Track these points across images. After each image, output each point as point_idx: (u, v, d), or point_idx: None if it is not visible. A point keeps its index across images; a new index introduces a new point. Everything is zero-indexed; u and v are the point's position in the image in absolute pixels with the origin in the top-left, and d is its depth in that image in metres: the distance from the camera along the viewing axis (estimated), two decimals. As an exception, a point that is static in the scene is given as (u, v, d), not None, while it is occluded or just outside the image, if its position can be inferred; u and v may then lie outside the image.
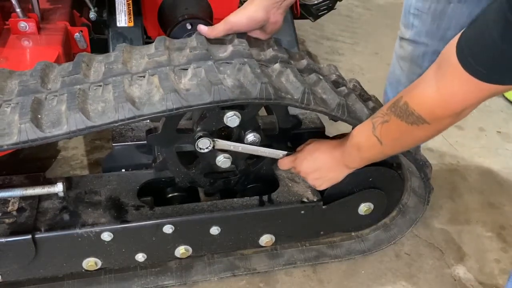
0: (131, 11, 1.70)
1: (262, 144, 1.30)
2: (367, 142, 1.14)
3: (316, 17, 2.10)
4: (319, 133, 1.49)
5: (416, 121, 1.00)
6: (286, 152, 1.33)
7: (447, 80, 0.93)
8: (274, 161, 1.38)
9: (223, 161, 1.29)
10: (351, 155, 1.21)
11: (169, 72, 1.09)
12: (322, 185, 1.32)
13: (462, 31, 0.90)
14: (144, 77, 1.10)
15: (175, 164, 1.30)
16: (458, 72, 0.89)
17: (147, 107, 1.03)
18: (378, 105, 1.32)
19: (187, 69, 1.12)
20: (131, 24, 1.68)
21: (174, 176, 1.35)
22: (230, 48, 1.18)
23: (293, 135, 1.34)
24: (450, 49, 0.91)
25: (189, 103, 1.04)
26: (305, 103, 1.14)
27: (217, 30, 1.20)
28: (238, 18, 1.19)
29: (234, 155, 1.30)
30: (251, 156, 1.36)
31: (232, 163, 1.32)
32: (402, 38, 1.54)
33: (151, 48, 1.19)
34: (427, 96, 0.97)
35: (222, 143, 1.25)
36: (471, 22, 0.88)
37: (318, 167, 1.28)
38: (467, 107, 0.95)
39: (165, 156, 1.27)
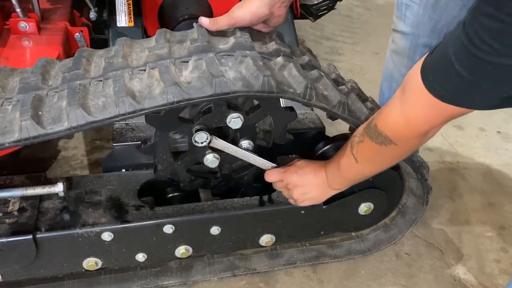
0: (131, 11, 1.70)
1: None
2: (345, 160, 1.19)
3: (316, 17, 2.11)
4: (319, 133, 1.49)
5: (384, 142, 1.05)
6: (275, 165, 1.34)
7: (411, 103, 0.97)
8: (258, 173, 1.38)
9: (211, 160, 1.27)
10: (333, 175, 1.25)
11: (169, 65, 1.09)
12: (304, 202, 1.32)
13: (426, 54, 0.94)
14: (144, 70, 1.09)
15: (164, 151, 1.27)
16: (423, 94, 0.92)
17: (148, 101, 1.03)
18: (375, 105, 1.33)
19: (188, 62, 1.10)
20: (131, 24, 1.68)
21: (157, 162, 1.32)
22: (231, 40, 1.17)
23: (294, 135, 1.34)
24: (415, 72, 0.94)
25: (190, 96, 1.04)
26: (307, 98, 1.13)
27: (219, 23, 1.19)
28: (243, 14, 1.17)
29: (223, 157, 1.30)
30: (239, 163, 1.36)
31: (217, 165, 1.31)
32: (394, 30, 1.54)
33: (152, 41, 1.18)
34: (392, 118, 1.03)
35: (218, 142, 1.24)
36: (435, 47, 0.92)
37: (305, 183, 1.29)
38: (432, 127, 0.99)
39: (157, 140, 1.24)
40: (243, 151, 1.28)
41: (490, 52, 0.78)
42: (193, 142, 1.23)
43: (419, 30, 1.44)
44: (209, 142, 1.23)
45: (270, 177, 1.33)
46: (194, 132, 1.21)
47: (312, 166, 1.30)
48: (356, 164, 1.16)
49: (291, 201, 1.34)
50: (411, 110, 0.97)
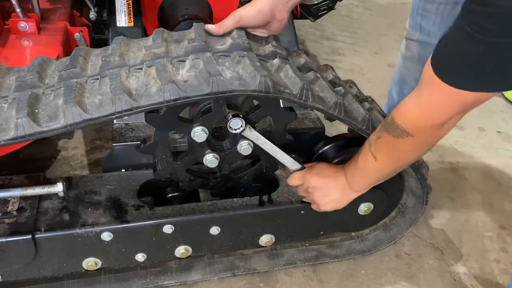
0: (131, 11, 1.70)
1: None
2: (364, 158, 1.19)
3: (316, 17, 2.11)
4: (319, 133, 1.49)
5: (401, 135, 1.06)
6: (300, 165, 1.32)
7: (426, 93, 0.98)
8: (256, 174, 1.38)
9: (210, 160, 1.27)
10: (353, 175, 1.24)
11: (166, 64, 1.09)
12: (326, 205, 1.30)
13: (436, 46, 0.95)
14: (141, 69, 1.09)
15: (163, 150, 1.26)
16: (436, 84, 0.93)
17: (145, 99, 1.03)
18: (373, 105, 1.32)
19: (185, 61, 1.11)
20: (131, 24, 1.68)
21: (157, 162, 1.30)
22: (229, 41, 1.17)
23: (294, 135, 1.34)
24: (427, 65, 0.95)
25: (187, 94, 1.04)
26: (304, 99, 1.13)
27: (225, 25, 1.19)
28: (247, 11, 1.18)
29: (223, 157, 1.29)
30: (238, 164, 1.36)
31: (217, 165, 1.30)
32: (408, 39, 1.54)
33: (149, 40, 1.18)
34: (408, 110, 1.04)
35: (252, 132, 1.22)
36: (442, 37, 0.94)
37: (325, 186, 1.28)
38: (448, 117, 0.99)
39: (157, 139, 1.23)
40: (272, 146, 1.27)
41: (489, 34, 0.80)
42: (228, 128, 1.20)
43: (437, 38, 1.44)
44: (243, 130, 1.21)
45: (292, 181, 1.33)
46: (229, 118, 1.18)
47: (333, 169, 1.29)
48: (375, 161, 1.16)
49: (313, 206, 1.33)
50: (426, 99, 0.98)
